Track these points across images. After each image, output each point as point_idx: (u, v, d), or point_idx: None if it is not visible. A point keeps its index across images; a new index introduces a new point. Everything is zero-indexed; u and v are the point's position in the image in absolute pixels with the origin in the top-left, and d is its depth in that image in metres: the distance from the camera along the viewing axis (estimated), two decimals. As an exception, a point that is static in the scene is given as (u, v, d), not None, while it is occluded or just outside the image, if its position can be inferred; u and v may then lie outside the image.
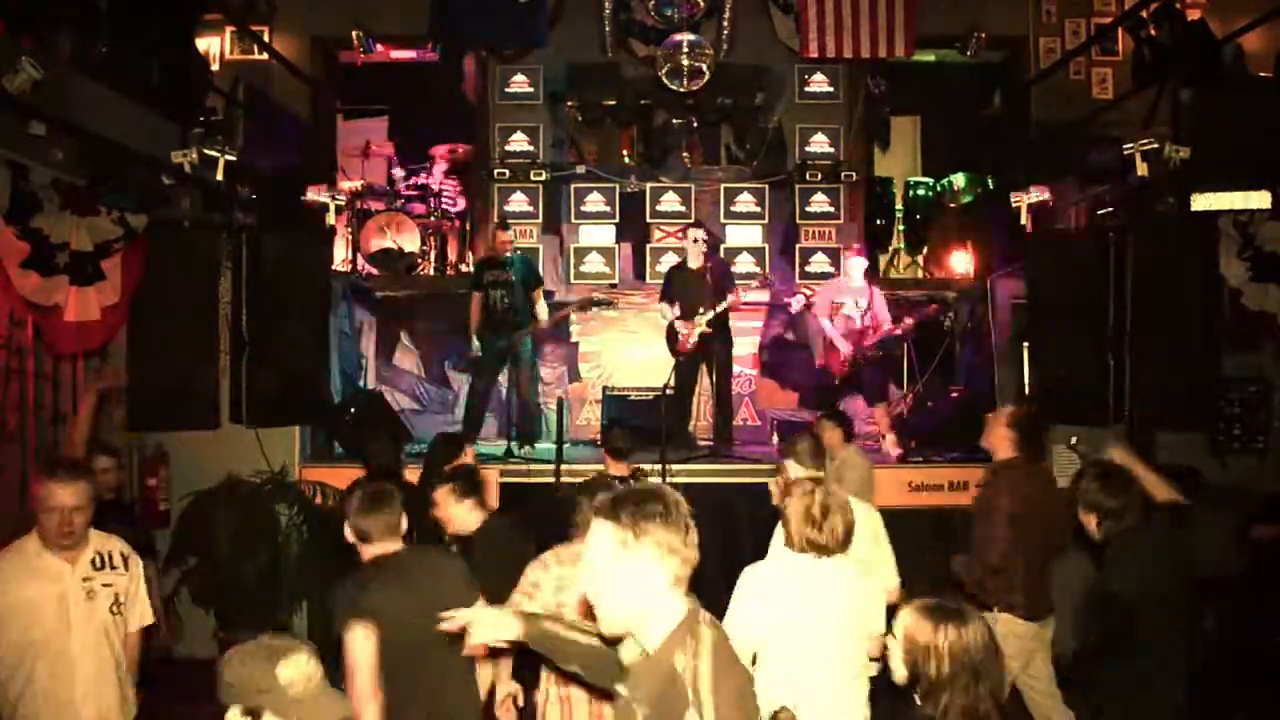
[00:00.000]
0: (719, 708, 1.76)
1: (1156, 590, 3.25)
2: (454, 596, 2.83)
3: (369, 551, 3.11)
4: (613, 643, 2.03)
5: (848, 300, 6.99)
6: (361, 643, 2.84)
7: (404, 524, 3.19)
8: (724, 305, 6.85)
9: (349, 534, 3.14)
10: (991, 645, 2.23)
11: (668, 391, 7.18)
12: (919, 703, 2.25)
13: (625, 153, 9.20)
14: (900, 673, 2.30)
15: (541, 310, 7.14)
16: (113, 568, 3.28)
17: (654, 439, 6.09)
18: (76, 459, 4.03)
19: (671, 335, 7.09)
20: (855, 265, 7.03)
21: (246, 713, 2.02)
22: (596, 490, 3.15)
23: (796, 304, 7.79)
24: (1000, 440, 4.33)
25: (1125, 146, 5.36)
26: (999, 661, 2.27)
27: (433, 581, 3.10)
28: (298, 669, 2.06)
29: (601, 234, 8.65)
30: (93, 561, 3.23)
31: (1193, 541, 3.55)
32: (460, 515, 3.90)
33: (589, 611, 2.00)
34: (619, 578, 1.85)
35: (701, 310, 6.85)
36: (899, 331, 6.99)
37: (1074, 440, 5.76)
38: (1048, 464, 5.00)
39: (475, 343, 7.02)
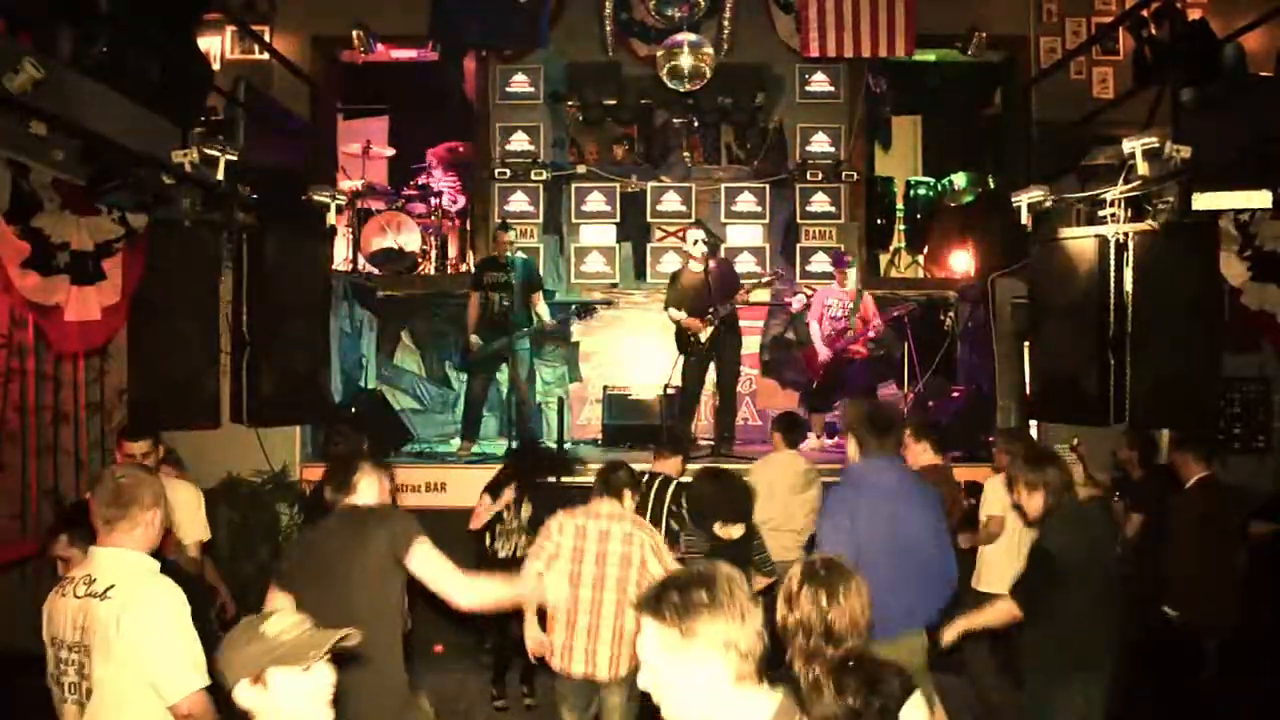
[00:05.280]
0: None
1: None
2: None
3: None
4: None
5: (834, 302, 7.11)
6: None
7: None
8: (735, 303, 6.84)
9: None
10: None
11: (669, 390, 7.18)
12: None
13: (626, 152, 9.21)
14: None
15: (544, 312, 7.12)
16: None
17: (654, 438, 6.06)
18: None
19: (682, 335, 7.07)
20: (849, 274, 7.29)
21: (255, 681, 1.98)
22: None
23: (797, 303, 7.81)
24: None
25: (1126, 146, 5.35)
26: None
27: None
28: (282, 620, 2.05)
29: (602, 234, 8.65)
30: None
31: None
32: None
33: None
34: (676, 679, 1.66)
35: (712, 310, 6.83)
36: (872, 334, 7.14)
37: (1075, 442, 5.78)
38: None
39: (474, 339, 6.99)
